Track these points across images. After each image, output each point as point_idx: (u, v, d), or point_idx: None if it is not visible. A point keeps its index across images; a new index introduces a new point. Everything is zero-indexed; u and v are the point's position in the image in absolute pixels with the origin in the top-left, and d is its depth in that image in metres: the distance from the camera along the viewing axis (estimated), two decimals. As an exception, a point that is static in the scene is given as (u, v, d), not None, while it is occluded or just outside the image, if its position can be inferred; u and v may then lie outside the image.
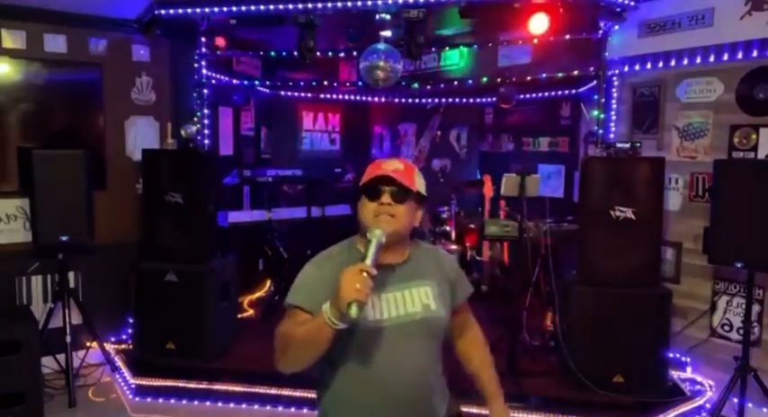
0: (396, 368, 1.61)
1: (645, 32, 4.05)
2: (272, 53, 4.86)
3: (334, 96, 6.55)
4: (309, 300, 1.59)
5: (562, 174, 5.48)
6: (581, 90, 4.96)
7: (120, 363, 4.15)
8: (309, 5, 3.92)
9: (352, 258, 1.63)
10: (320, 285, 1.59)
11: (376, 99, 6.60)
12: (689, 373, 3.87)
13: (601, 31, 4.12)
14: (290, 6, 3.94)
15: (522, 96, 5.30)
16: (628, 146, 3.67)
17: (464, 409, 1.80)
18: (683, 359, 3.91)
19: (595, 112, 4.15)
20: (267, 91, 6.13)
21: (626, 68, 4.21)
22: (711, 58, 3.72)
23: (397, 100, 6.53)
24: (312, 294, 1.59)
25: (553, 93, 5.34)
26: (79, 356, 4.12)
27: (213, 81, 4.86)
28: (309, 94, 6.41)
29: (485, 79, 4.94)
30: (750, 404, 3.34)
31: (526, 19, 3.96)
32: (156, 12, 4.12)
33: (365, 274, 1.43)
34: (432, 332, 1.69)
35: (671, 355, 3.75)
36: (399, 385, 1.61)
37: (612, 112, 4.26)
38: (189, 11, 4.09)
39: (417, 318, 1.64)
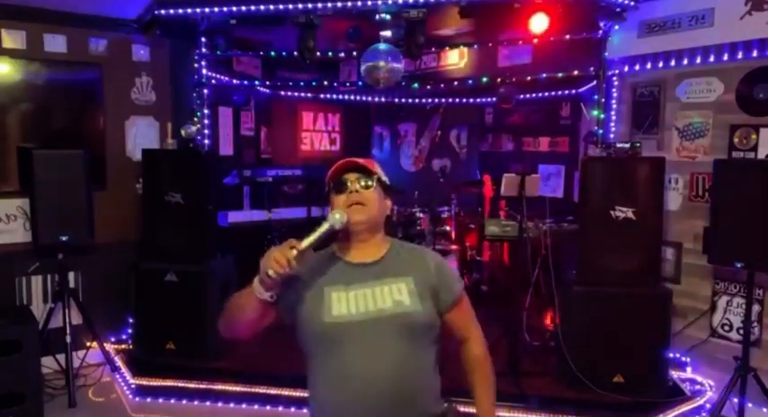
0: (368, 364, 1.56)
1: (645, 32, 4.05)
2: (272, 53, 4.85)
3: (335, 96, 6.55)
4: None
5: (562, 174, 5.48)
6: (581, 90, 4.97)
7: (120, 363, 4.16)
8: (309, 5, 3.91)
9: (325, 256, 1.71)
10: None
11: (376, 99, 6.60)
12: (689, 373, 3.87)
13: (601, 31, 4.11)
14: (290, 6, 3.93)
15: (522, 96, 5.30)
16: (628, 146, 3.67)
17: (465, 409, 1.77)
18: (683, 359, 3.91)
19: (595, 112, 4.15)
20: (267, 91, 6.13)
21: (626, 68, 4.21)
22: (711, 58, 3.72)
23: (397, 100, 6.54)
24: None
25: (553, 93, 5.34)
26: (79, 356, 4.12)
27: (213, 81, 4.86)
28: (309, 94, 6.41)
29: (485, 79, 4.93)
30: (750, 404, 3.33)
31: (526, 19, 3.96)
32: (156, 12, 4.12)
33: (293, 250, 1.47)
34: (407, 328, 1.60)
35: (671, 355, 3.75)
36: (373, 382, 1.55)
37: (612, 112, 4.25)
38: (189, 11, 4.09)
39: (387, 314, 1.59)
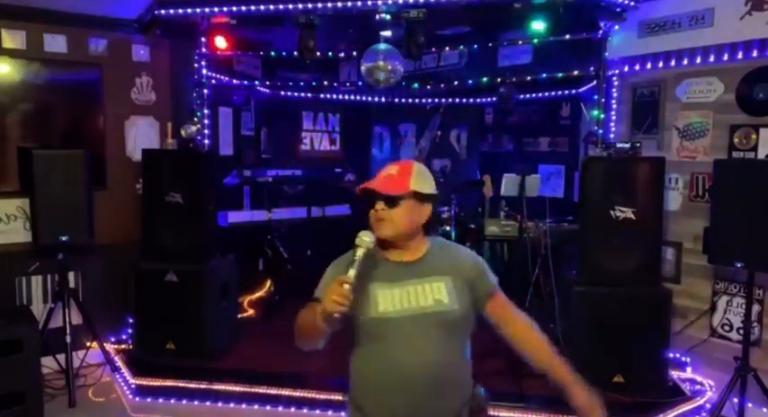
0: (410, 354, 1.69)
1: (645, 32, 4.05)
2: (272, 53, 4.86)
3: (334, 96, 6.55)
4: (322, 294, 1.73)
5: (562, 174, 5.48)
6: (581, 90, 4.96)
7: (120, 363, 4.16)
8: (309, 5, 3.92)
9: (367, 254, 1.74)
10: (331, 281, 1.70)
11: (376, 99, 6.60)
12: (689, 373, 3.87)
13: (601, 31, 4.11)
14: (290, 6, 3.94)
15: (522, 96, 5.30)
16: (628, 146, 3.68)
17: (495, 413, 1.82)
18: (683, 359, 3.91)
19: (595, 112, 4.15)
20: (267, 91, 6.13)
21: (626, 68, 4.21)
22: (711, 58, 3.72)
23: (397, 100, 6.54)
24: (325, 289, 1.72)
25: (553, 93, 5.34)
26: (79, 356, 4.12)
27: (213, 81, 4.86)
28: (309, 94, 6.41)
29: (485, 79, 4.93)
30: (750, 404, 3.34)
31: (526, 19, 3.96)
32: (156, 12, 4.12)
33: (346, 286, 1.56)
34: (446, 325, 1.74)
35: (671, 355, 3.75)
36: (416, 370, 1.68)
37: (612, 112, 4.26)
38: (189, 11, 4.09)
39: (428, 312, 1.72)
